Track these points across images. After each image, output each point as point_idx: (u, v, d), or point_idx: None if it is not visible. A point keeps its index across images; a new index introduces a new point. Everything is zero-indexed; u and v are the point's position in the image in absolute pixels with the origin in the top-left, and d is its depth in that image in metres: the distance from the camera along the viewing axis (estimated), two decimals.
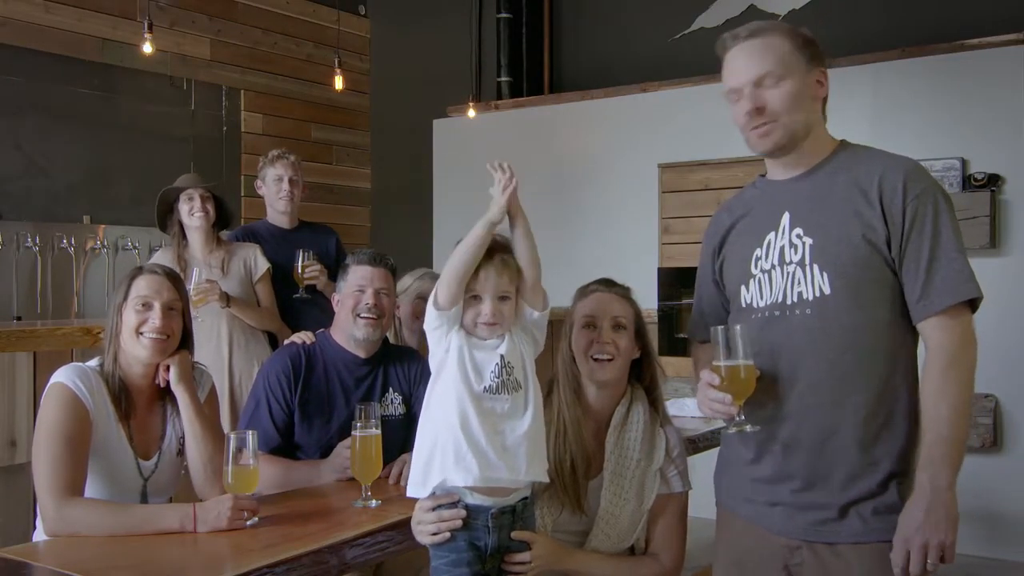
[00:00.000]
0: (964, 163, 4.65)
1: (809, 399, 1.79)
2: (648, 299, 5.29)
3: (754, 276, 1.87)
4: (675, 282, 5.47)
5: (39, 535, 2.11)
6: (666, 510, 2.10)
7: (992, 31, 4.69)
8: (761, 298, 1.85)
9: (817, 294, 1.77)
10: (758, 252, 1.86)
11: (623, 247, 5.64)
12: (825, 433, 1.77)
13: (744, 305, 1.89)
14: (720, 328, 1.82)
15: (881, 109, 4.89)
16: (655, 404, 2.16)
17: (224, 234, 3.72)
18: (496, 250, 1.82)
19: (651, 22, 6.15)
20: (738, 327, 1.81)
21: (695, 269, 2.09)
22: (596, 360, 2.07)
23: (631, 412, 2.12)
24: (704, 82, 5.46)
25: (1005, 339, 4.56)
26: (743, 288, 1.89)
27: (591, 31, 6.49)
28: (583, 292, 2.16)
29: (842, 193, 1.77)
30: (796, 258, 1.80)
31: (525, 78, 6.45)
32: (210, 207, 3.58)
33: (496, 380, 1.78)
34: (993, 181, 4.56)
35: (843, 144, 1.86)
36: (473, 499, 1.79)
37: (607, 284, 2.17)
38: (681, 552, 2.08)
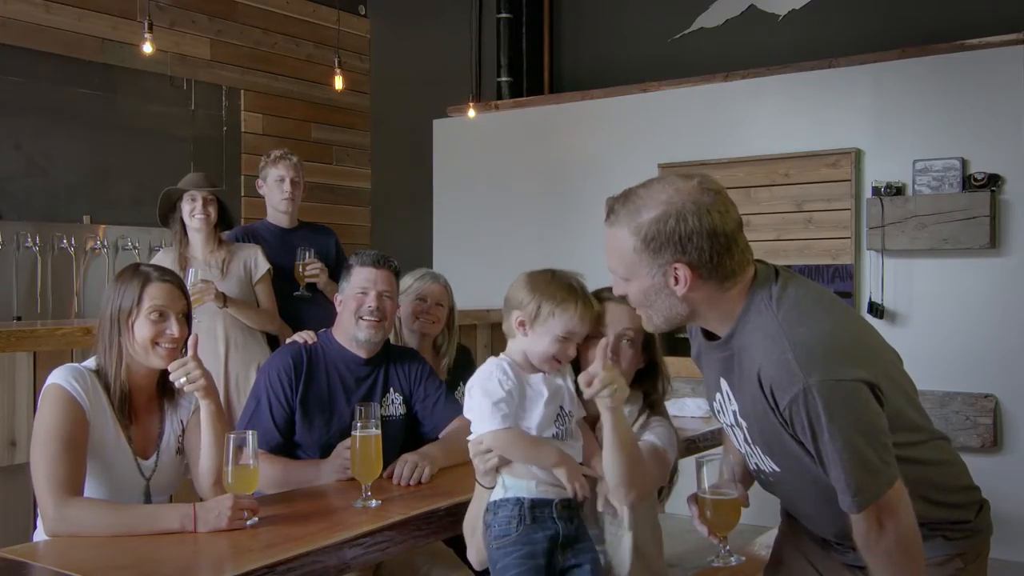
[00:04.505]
0: (964, 163, 4.65)
1: (804, 514, 1.85)
2: None
3: (721, 422, 1.86)
4: None
5: (39, 535, 2.12)
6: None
7: (992, 31, 4.69)
8: (735, 441, 1.84)
9: (768, 470, 1.76)
10: (716, 405, 1.83)
11: None
12: (820, 525, 1.82)
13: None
14: (705, 461, 1.80)
15: (881, 109, 4.88)
16: (652, 406, 2.11)
17: (224, 234, 3.72)
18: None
19: (651, 22, 6.14)
20: (729, 458, 1.82)
21: None
22: None
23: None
24: (704, 82, 5.47)
25: (1005, 339, 4.57)
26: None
27: (591, 31, 6.49)
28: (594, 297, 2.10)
29: (749, 385, 1.66)
30: (741, 436, 1.77)
31: (525, 78, 6.44)
32: (212, 210, 3.59)
33: None
34: (993, 181, 4.56)
35: (744, 310, 1.69)
36: (537, 492, 1.86)
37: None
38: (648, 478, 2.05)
